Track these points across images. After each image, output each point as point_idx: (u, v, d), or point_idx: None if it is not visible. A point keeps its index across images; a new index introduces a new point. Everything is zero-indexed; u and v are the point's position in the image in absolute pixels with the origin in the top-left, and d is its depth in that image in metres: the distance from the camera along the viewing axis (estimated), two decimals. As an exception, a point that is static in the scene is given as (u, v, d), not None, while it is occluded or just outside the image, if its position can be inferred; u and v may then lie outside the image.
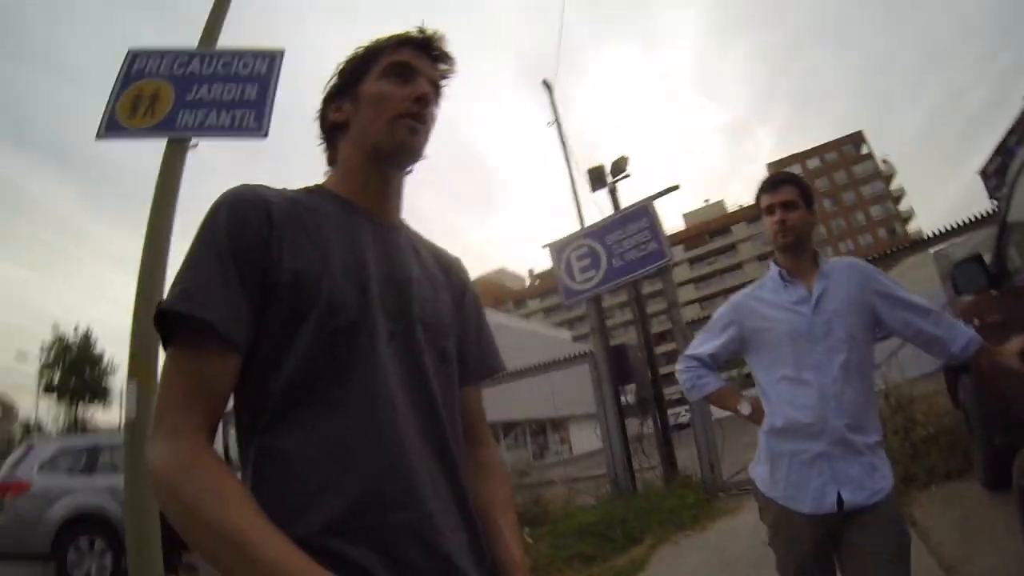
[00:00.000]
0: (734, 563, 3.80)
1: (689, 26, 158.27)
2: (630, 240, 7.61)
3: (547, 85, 8.94)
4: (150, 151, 3.09)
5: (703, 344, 1.99)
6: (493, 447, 1.06)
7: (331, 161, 0.99)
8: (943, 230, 6.60)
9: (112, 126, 3.03)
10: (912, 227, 61.97)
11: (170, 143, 3.06)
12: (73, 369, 29.70)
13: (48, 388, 29.74)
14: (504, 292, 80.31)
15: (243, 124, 3.08)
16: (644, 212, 7.68)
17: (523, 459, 18.92)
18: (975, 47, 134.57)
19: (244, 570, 0.64)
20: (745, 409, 1.90)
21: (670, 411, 8.46)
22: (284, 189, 0.91)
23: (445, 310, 0.97)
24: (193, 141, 3.11)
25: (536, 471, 13.50)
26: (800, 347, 1.73)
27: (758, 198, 1.88)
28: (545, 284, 69.94)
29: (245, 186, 0.86)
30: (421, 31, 0.95)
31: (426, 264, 0.99)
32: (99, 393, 30.96)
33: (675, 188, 8.26)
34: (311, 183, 1.00)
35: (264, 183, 0.90)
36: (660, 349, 13.04)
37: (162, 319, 0.76)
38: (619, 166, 9.34)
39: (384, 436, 0.78)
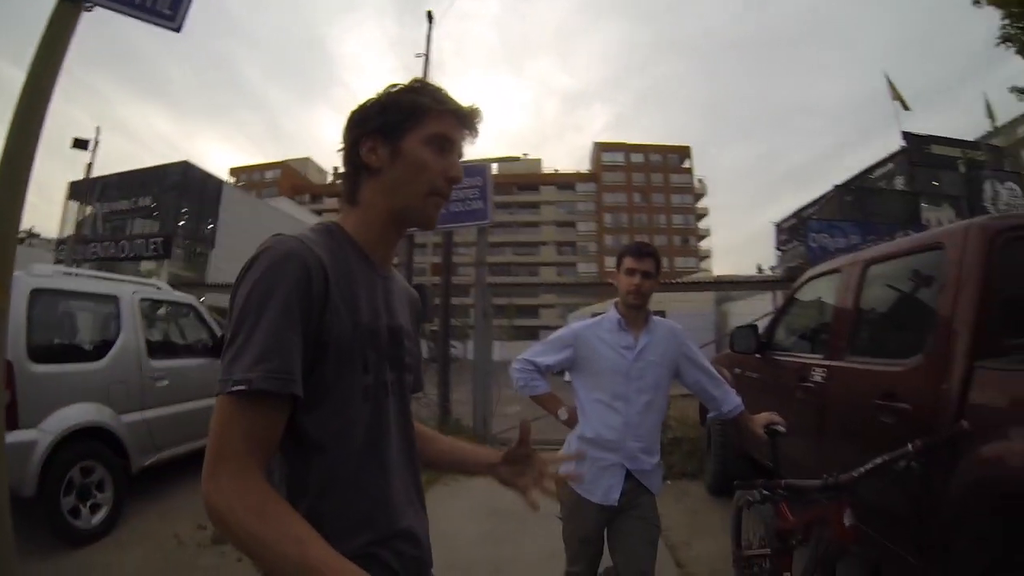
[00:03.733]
0: (500, 512, 4.38)
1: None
2: (459, 192, 7.66)
3: (430, 16, 8.64)
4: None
5: (542, 354, 2.37)
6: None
7: (351, 198, 1.02)
8: (729, 276, 8.11)
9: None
10: (704, 244, 68.73)
11: (63, 1, 2.50)
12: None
13: None
14: (304, 183, 74.47)
15: (155, 6, 2.66)
16: (480, 171, 7.93)
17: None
18: (813, 121, 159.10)
19: None
20: (563, 415, 2.37)
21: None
22: (318, 237, 0.94)
23: (416, 351, 1.11)
24: (89, 3, 2.56)
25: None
26: (617, 382, 2.19)
27: (622, 256, 2.27)
28: (348, 187, 66.07)
29: (304, 245, 0.87)
30: (469, 107, 1.02)
31: (405, 308, 1.09)
32: None
33: (517, 158, 8.87)
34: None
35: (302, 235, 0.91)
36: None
37: (246, 392, 0.79)
38: (470, 117, 9.43)
39: (393, 470, 0.98)
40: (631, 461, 2.18)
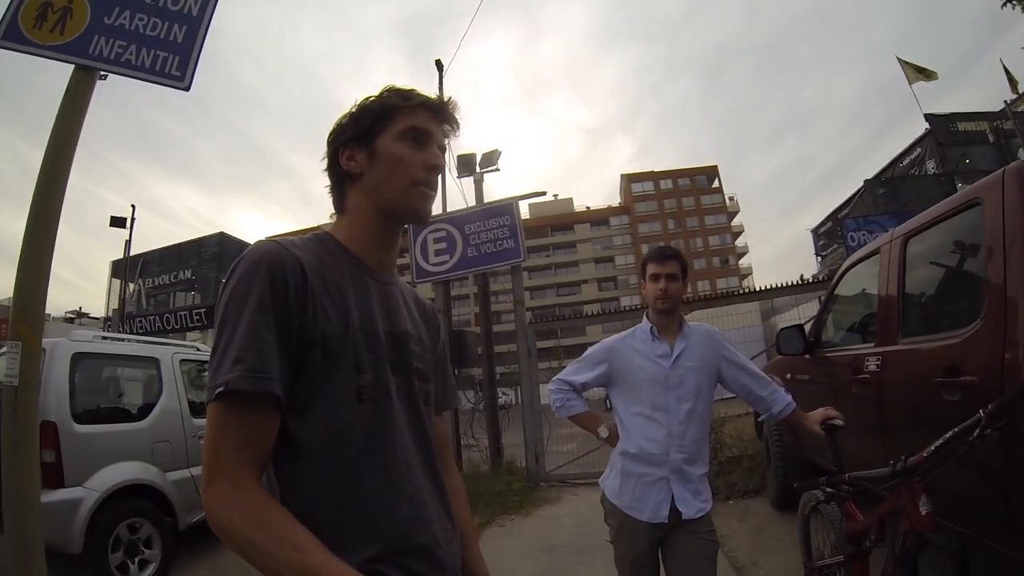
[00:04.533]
0: (557, 548, 4.38)
1: (575, 23, 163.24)
2: (489, 233, 7.79)
3: (439, 65, 8.91)
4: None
5: (576, 373, 2.29)
6: (457, 473, 1.24)
7: (339, 207, 1.03)
8: (770, 286, 7.65)
9: (12, 34, 2.50)
10: (744, 262, 67.28)
11: (78, 70, 2.62)
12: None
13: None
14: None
15: (164, 69, 2.76)
16: (508, 210, 7.90)
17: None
18: (834, 122, 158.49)
19: None
20: (603, 433, 2.25)
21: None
22: (304, 242, 0.95)
23: (430, 358, 1.08)
24: (104, 73, 2.74)
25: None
26: (656, 392, 2.09)
27: (645, 263, 2.21)
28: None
29: (279, 246, 0.89)
30: (438, 98, 1.03)
31: (414, 316, 1.08)
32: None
33: (542, 193, 8.94)
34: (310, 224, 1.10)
35: (284, 237, 0.94)
36: (496, 328, 13.68)
37: (226, 393, 0.79)
38: (490, 159, 9.52)
39: (403, 479, 0.92)
40: (677, 474, 2.06)
